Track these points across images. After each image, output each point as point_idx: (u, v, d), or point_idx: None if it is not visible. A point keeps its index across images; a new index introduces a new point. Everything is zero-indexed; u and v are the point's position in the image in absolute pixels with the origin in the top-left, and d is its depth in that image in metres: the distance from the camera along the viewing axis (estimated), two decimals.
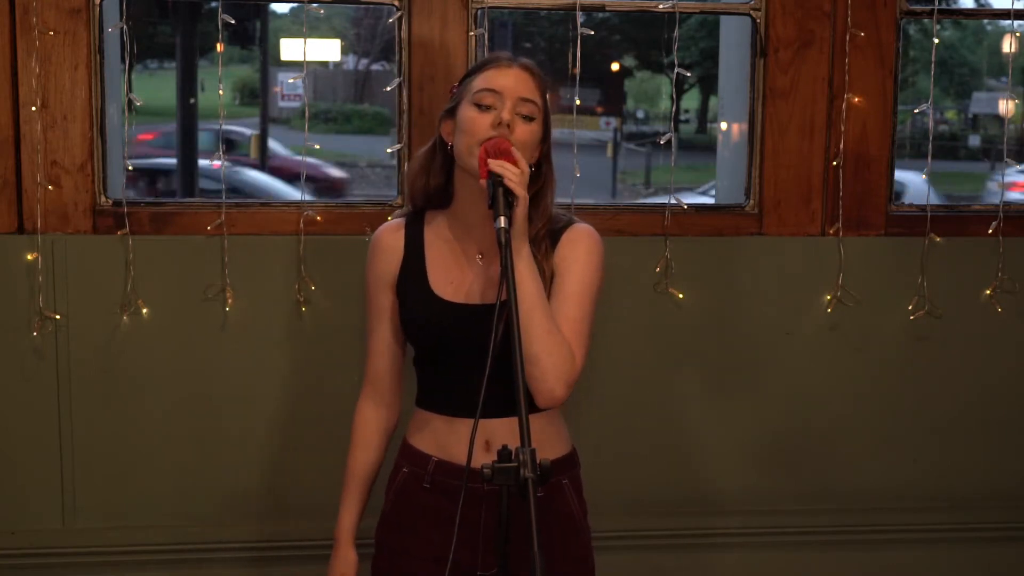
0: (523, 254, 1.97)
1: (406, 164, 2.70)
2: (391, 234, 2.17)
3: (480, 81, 2.06)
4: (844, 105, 2.90)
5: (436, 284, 2.10)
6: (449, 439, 2.10)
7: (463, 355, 2.07)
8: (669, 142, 2.90)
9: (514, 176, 1.92)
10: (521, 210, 1.93)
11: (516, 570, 1.84)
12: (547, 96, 2.09)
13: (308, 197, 2.79)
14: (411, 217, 2.18)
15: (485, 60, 2.14)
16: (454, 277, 2.10)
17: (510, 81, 2.04)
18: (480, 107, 2.03)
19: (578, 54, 2.79)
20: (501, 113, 2.01)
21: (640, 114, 26.55)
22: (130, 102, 2.74)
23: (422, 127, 2.76)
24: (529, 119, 2.03)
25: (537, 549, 1.55)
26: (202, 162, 12.56)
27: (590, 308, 2.09)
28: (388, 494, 2.20)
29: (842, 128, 2.91)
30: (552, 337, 1.99)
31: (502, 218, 1.88)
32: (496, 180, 1.91)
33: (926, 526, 3.05)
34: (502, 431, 1.99)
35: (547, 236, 2.09)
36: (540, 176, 2.08)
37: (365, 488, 2.24)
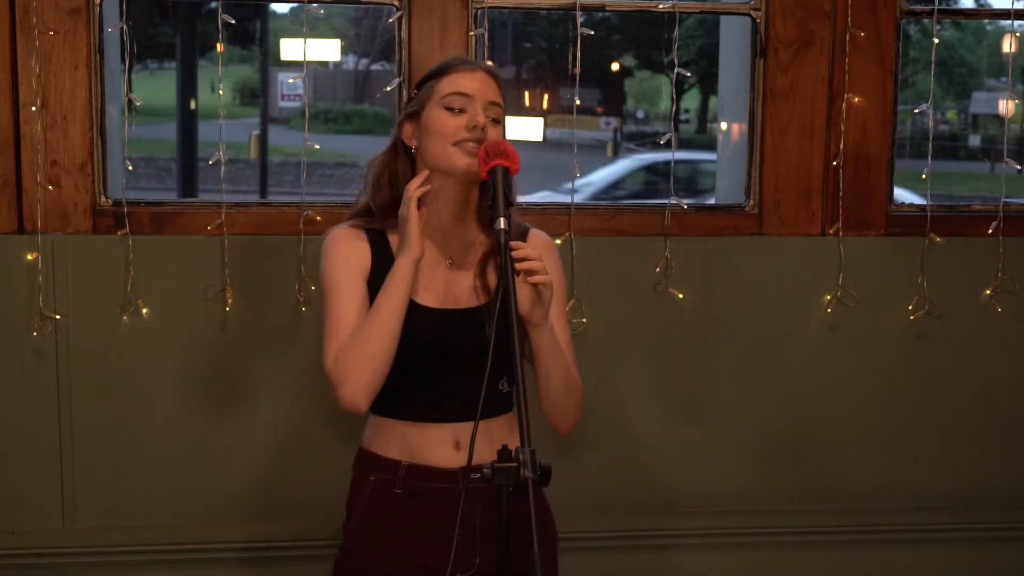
0: (547, 331, 2.00)
1: None
2: (354, 240, 2.08)
3: (448, 84, 2.05)
4: (844, 105, 2.90)
5: (415, 292, 2.03)
6: (419, 443, 2.09)
7: (437, 360, 2.05)
8: (669, 142, 2.90)
9: (541, 270, 1.90)
10: (548, 293, 1.93)
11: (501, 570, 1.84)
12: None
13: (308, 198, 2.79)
14: (369, 230, 2.09)
15: (449, 63, 2.11)
16: (429, 283, 2.07)
17: (478, 85, 2.05)
18: (451, 110, 2.03)
19: (578, 54, 2.80)
20: (476, 117, 2.02)
21: (640, 114, 26.47)
22: (130, 102, 2.74)
23: None
24: (496, 122, 2.06)
25: (537, 549, 1.56)
26: None
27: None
28: (356, 506, 2.15)
29: (842, 128, 2.91)
30: (575, 378, 2.10)
31: (501, 219, 1.87)
32: (494, 181, 1.92)
33: (926, 526, 3.05)
34: (469, 433, 1.97)
35: (517, 230, 2.06)
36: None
37: None
